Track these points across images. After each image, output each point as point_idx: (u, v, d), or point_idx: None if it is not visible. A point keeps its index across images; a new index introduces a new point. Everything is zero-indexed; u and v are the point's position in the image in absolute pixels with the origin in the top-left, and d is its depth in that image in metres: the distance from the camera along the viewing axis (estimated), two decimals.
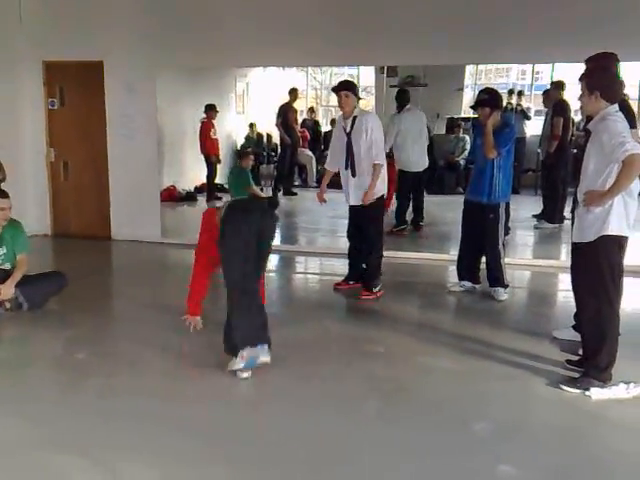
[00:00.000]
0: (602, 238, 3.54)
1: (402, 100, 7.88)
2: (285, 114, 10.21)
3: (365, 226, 5.41)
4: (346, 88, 5.28)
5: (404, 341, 4.52)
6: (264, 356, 3.78)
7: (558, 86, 8.06)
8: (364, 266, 5.53)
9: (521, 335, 4.53)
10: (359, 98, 5.44)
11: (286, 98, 10.67)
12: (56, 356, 4.30)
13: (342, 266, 5.85)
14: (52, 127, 7.56)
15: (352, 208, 5.45)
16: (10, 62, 7.13)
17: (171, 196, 9.66)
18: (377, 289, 5.43)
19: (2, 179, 6.30)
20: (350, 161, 5.30)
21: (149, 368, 4.01)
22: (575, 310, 4.14)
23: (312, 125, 12.40)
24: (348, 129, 5.28)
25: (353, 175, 5.30)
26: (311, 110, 12.86)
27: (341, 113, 5.40)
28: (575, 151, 7.98)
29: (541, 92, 9.21)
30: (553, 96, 8.03)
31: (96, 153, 7.42)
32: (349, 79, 5.39)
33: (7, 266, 4.92)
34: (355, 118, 5.24)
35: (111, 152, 7.37)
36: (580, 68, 4.19)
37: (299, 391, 3.75)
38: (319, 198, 5.64)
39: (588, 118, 3.81)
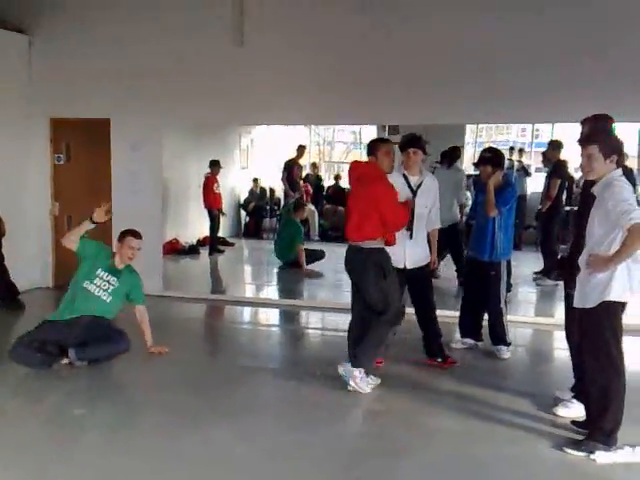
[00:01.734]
0: (603, 304, 3.52)
1: (455, 157, 7.91)
2: (290, 169, 10.36)
3: (423, 290, 5.07)
4: (413, 145, 4.94)
5: (404, 400, 4.46)
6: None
7: (555, 146, 8.14)
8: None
9: (524, 395, 4.47)
10: (426, 154, 5.14)
11: (291, 154, 10.84)
12: (55, 411, 4.26)
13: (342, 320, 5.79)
14: (57, 181, 7.66)
15: (403, 272, 4.87)
16: (18, 118, 7.26)
17: (174, 249, 9.70)
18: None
19: (3, 234, 6.40)
20: (411, 221, 4.87)
21: (147, 425, 3.96)
22: (574, 382, 4.15)
23: (314, 180, 12.55)
24: (415, 188, 4.95)
25: (411, 237, 4.91)
26: (314, 165, 13.05)
27: (399, 166, 5.05)
28: (576, 208, 8.04)
29: (541, 149, 9.34)
30: (551, 156, 8.13)
31: None
32: (416, 134, 5.09)
33: (109, 299, 4.96)
34: (423, 180, 4.98)
35: (116, 207, 7.30)
36: (578, 126, 4.24)
37: (295, 449, 3.69)
38: None
39: (589, 181, 3.79)
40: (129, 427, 3.95)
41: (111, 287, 4.98)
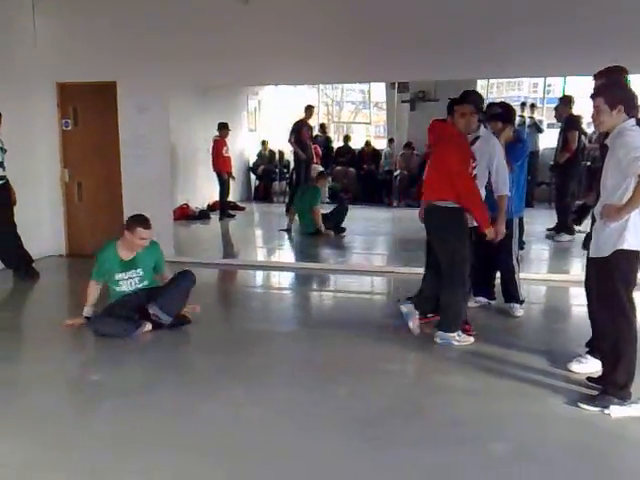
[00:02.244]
0: (617, 252, 3.50)
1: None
2: (299, 130, 10.25)
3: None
4: (464, 101, 4.64)
5: (418, 359, 4.49)
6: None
7: (566, 102, 8.08)
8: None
9: (538, 352, 4.47)
10: (481, 111, 4.82)
11: (299, 115, 10.71)
12: (72, 377, 4.32)
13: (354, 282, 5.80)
14: (66, 148, 7.63)
15: None
16: (24, 84, 7.19)
17: (184, 214, 9.69)
18: None
19: (14, 203, 6.42)
20: None
21: (162, 389, 4.00)
22: (590, 337, 4.12)
23: (324, 141, 12.42)
24: None
25: None
26: (323, 126, 12.89)
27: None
28: (589, 164, 7.94)
29: (553, 105, 9.18)
30: (562, 111, 8.05)
31: (110, 173, 7.46)
32: (471, 90, 4.84)
33: (145, 283, 5.04)
34: (477, 138, 4.71)
35: (125, 172, 7.41)
36: (591, 80, 4.15)
37: (310, 410, 3.71)
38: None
39: (606, 133, 3.75)
40: (144, 391, 3.97)
41: (137, 277, 5.00)
